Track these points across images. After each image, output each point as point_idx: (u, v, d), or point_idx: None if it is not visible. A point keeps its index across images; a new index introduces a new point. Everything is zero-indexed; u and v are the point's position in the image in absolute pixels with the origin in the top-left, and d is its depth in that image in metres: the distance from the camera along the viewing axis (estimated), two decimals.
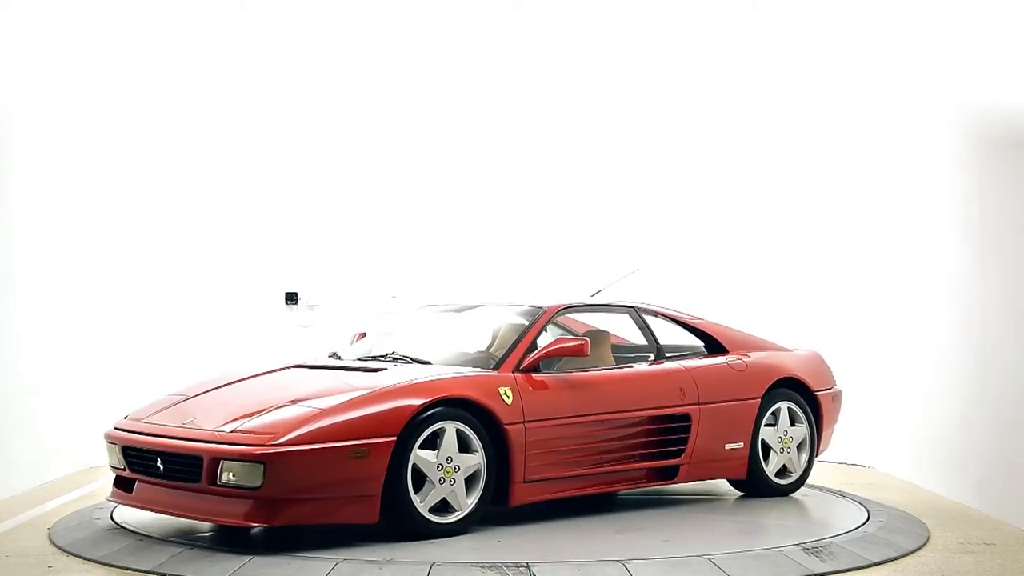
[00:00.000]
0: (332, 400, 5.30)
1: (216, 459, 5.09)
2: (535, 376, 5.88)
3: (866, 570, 5.00)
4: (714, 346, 6.75)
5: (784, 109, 9.30)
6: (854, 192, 8.72)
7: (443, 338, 6.59)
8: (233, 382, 6.02)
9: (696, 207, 9.44)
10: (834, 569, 4.94)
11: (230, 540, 5.40)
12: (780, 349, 6.96)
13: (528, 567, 4.81)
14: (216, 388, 5.95)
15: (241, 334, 9.09)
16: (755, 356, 6.73)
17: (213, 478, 5.10)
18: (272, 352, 8.26)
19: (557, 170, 9.48)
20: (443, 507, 5.42)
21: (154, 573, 4.88)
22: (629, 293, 7.36)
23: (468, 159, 9.48)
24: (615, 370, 6.30)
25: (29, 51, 7.70)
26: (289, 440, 5.03)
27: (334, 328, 8.85)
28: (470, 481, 5.50)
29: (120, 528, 5.71)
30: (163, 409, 5.80)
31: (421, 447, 5.31)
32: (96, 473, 8.06)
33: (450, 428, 5.41)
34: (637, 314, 6.69)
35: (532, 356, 5.92)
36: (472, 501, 5.48)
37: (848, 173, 8.81)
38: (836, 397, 7.03)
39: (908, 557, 5.26)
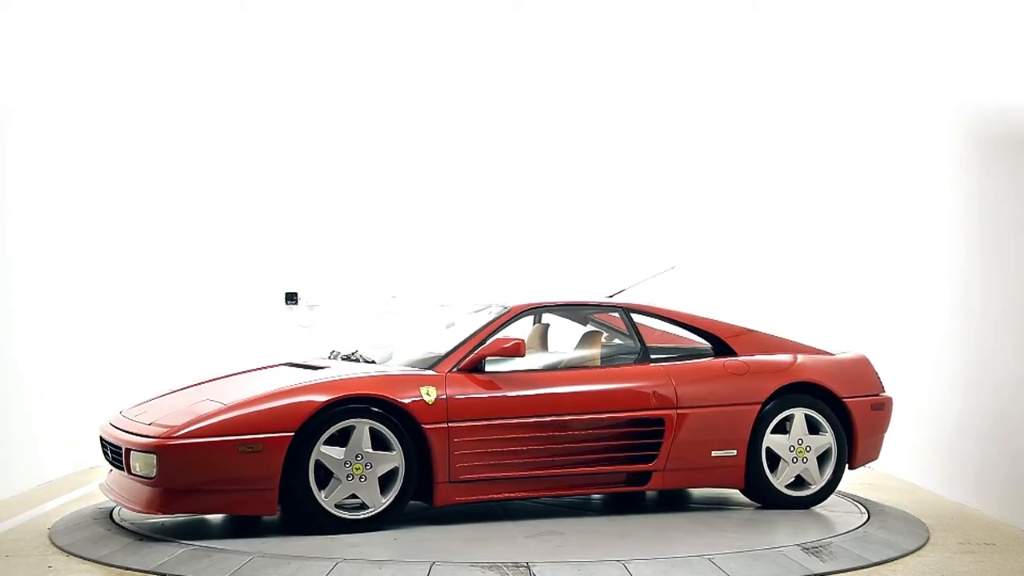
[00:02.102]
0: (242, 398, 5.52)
1: (128, 450, 5.47)
2: (480, 376, 5.84)
3: (866, 570, 5.00)
4: (723, 348, 6.41)
5: (785, 109, 9.31)
6: (852, 192, 8.72)
7: (415, 338, 6.65)
8: (212, 380, 6.26)
9: (695, 208, 9.44)
10: (834, 569, 4.94)
11: (229, 540, 5.41)
12: (814, 352, 6.50)
13: (528, 567, 4.81)
14: (193, 385, 6.22)
15: (241, 334, 9.10)
16: (764, 359, 6.32)
17: (131, 468, 5.47)
18: (272, 352, 8.26)
19: (560, 169, 9.49)
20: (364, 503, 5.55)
21: (154, 573, 4.89)
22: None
23: (469, 159, 9.48)
24: (579, 371, 6.11)
25: (27, 51, 7.70)
26: (182, 434, 5.32)
27: (334, 328, 8.86)
28: (390, 479, 5.56)
29: (120, 528, 5.72)
30: (142, 403, 6.12)
31: (330, 444, 5.44)
32: (96, 473, 8.06)
33: (361, 426, 5.49)
34: (626, 314, 6.40)
35: (470, 357, 5.88)
36: (387, 499, 5.54)
37: (845, 172, 8.81)
38: (879, 405, 6.47)
39: (908, 557, 5.26)
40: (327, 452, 5.44)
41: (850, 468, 6.38)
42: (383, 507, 5.54)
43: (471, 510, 6.05)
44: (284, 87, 9.35)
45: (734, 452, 6.11)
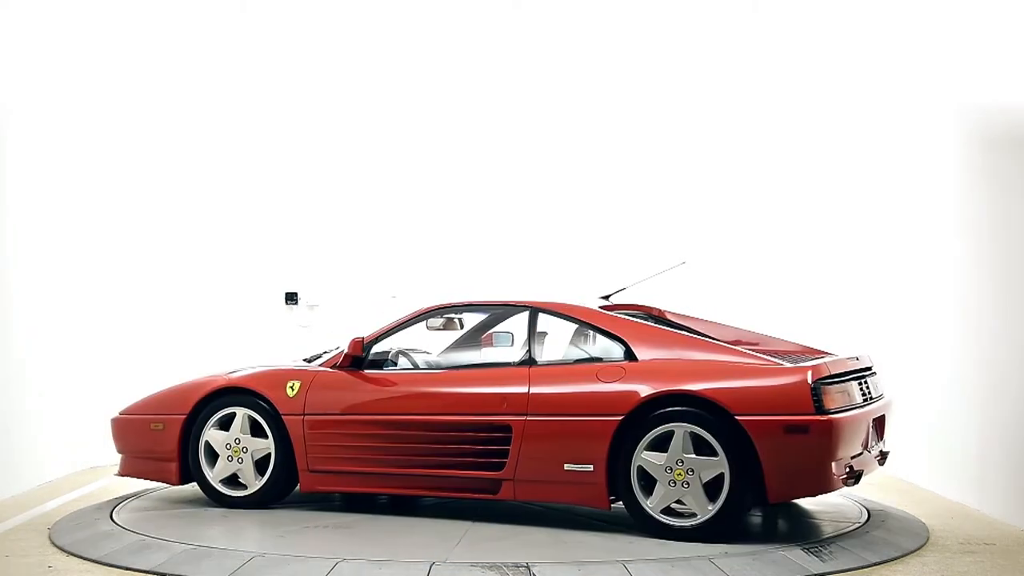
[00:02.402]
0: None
1: None
2: (359, 373, 6.14)
3: (866, 570, 5.00)
4: (630, 351, 5.69)
5: (787, 108, 9.31)
6: (856, 191, 8.71)
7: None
8: None
9: (699, 208, 9.44)
10: (834, 569, 4.94)
11: (229, 540, 5.41)
12: (751, 358, 5.49)
13: (528, 567, 4.81)
14: None
15: (241, 334, 9.10)
16: (649, 365, 5.53)
17: None
18: (272, 352, 8.26)
19: (561, 169, 9.48)
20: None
21: (154, 573, 4.90)
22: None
23: (469, 159, 9.48)
24: (439, 372, 6.09)
25: (28, 50, 7.70)
26: (122, 411, 6.64)
27: (334, 328, 8.85)
28: (268, 463, 6.22)
29: (120, 528, 5.73)
30: None
31: (219, 428, 6.32)
32: (96, 473, 8.06)
33: (240, 413, 6.27)
34: (534, 314, 6.02)
35: (344, 354, 6.23)
36: (261, 481, 6.22)
37: (848, 172, 8.81)
38: (799, 427, 5.16)
39: (908, 557, 5.26)
40: (213, 434, 6.31)
41: (768, 503, 5.36)
42: (257, 488, 6.24)
43: (472, 510, 6.05)
44: (284, 88, 9.34)
45: (590, 467, 5.47)
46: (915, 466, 7.53)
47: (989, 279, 6.45)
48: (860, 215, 8.60)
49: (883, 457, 5.90)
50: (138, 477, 6.61)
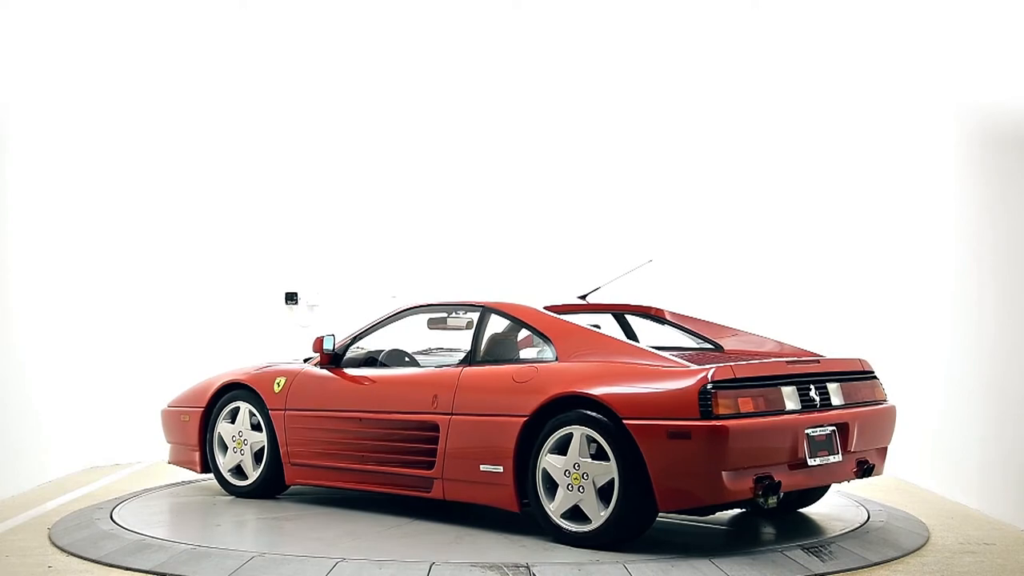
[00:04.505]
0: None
1: None
2: (338, 371, 6.37)
3: (866, 570, 5.00)
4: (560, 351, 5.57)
5: (784, 107, 9.31)
6: (855, 192, 8.72)
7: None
8: None
9: (692, 206, 9.45)
10: (834, 569, 4.94)
11: (229, 540, 5.42)
12: (663, 361, 5.18)
13: (528, 567, 4.81)
14: None
15: (241, 334, 9.10)
16: (558, 366, 5.42)
17: None
18: (272, 352, 8.26)
19: (559, 169, 9.50)
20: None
21: (154, 573, 4.90)
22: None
23: (469, 159, 9.49)
24: (394, 372, 6.24)
25: (28, 50, 7.70)
26: (169, 403, 7.11)
27: (334, 328, 8.85)
28: (264, 455, 6.56)
29: (120, 528, 5.73)
30: None
31: (229, 421, 6.70)
32: (96, 473, 8.07)
33: (243, 408, 6.65)
34: (483, 314, 6.00)
35: (322, 353, 6.48)
36: (257, 472, 6.58)
37: (845, 171, 8.81)
38: (680, 433, 4.87)
39: (908, 557, 5.26)
40: (223, 427, 6.72)
41: (659, 509, 5.07)
42: (255, 479, 6.58)
43: (470, 509, 6.05)
44: (284, 87, 9.35)
45: (500, 469, 5.45)
46: (916, 466, 7.53)
47: (989, 279, 6.45)
48: (859, 215, 8.60)
49: (861, 468, 5.55)
50: (178, 465, 7.09)
